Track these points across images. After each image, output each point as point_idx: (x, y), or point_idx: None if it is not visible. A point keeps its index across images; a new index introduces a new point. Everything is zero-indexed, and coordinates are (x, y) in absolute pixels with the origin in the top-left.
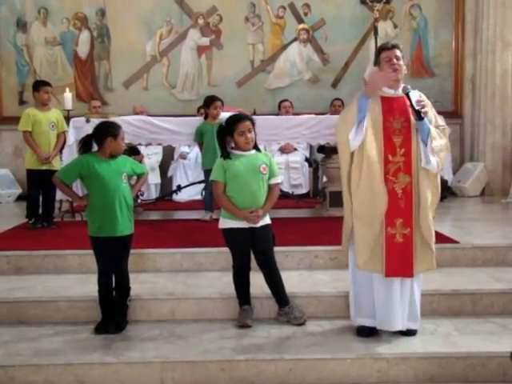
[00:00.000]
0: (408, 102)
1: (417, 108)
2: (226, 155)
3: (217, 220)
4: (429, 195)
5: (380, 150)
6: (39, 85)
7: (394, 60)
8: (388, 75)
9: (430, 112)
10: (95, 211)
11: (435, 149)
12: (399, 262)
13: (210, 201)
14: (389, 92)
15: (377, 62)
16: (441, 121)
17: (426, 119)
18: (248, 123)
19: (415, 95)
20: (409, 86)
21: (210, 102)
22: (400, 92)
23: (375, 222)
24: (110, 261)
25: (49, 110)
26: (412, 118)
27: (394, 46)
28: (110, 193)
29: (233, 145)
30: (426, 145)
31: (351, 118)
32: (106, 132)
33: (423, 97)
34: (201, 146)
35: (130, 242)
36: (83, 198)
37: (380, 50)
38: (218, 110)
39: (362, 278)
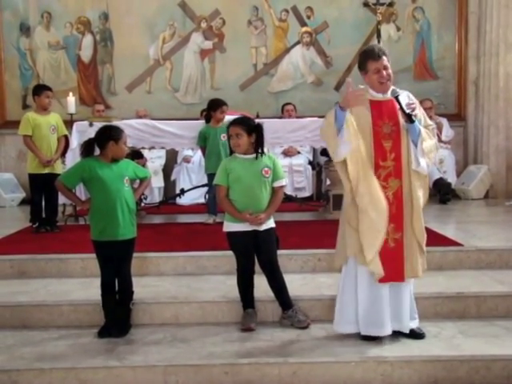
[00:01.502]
0: (398, 106)
1: (407, 111)
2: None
3: (220, 223)
4: (421, 196)
5: (370, 156)
6: (40, 89)
7: (383, 72)
8: (358, 95)
9: (419, 112)
10: (97, 215)
11: (425, 150)
12: (391, 267)
13: (213, 204)
14: (377, 96)
15: (362, 69)
16: (429, 120)
17: (416, 121)
18: (236, 128)
19: (404, 98)
20: (398, 89)
21: (216, 106)
22: (388, 95)
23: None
24: (112, 264)
25: (48, 114)
26: (401, 121)
27: (382, 55)
28: (112, 196)
29: None
30: (416, 146)
31: (331, 131)
32: (108, 136)
33: (412, 97)
34: (203, 150)
35: (132, 245)
36: (85, 201)
37: (367, 58)
38: (224, 114)
39: (348, 284)
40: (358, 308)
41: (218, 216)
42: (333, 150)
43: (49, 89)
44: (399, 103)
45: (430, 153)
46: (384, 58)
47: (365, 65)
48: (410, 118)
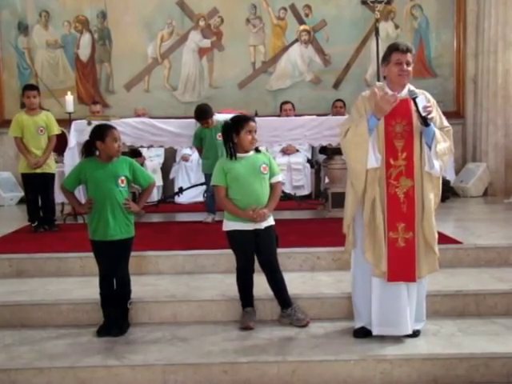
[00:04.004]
0: (413, 107)
1: (423, 114)
2: (232, 154)
3: (219, 222)
4: (432, 198)
5: (381, 155)
6: (24, 89)
7: (405, 66)
8: (390, 99)
9: (436, 113)
10: (91, 214)
11: (439, 152)
12: (402, 266)
13: (212, 203)
14: (391, 94)
15: (385, 60)
16: (445, 122)
17: (432, 124)
18: (254, 124)
19: (422, 101)
20: (416, 91)
21: (201, 118)
22: (403, 95)
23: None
24: (109, 263)
25: (38, 114)
26: (415, 121)
27: (408, 50)
28: (103, 197)
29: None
30: (430, 148)
31: (364, 141)
32: (94, 136)
33: (429, 97)
34: (199, 150)
35: (127, 245)
36: (84, 204)
37: (392, 50)
38: (207, 124)
39: (360, 282)
40: (370, 306)
41: (216, 214)
42: (360, 160)
43: (32, 88)
44: (416, 105)
45: (443, 155)
46: (409, 54)
47: (389, 56)
48: (425, 121)
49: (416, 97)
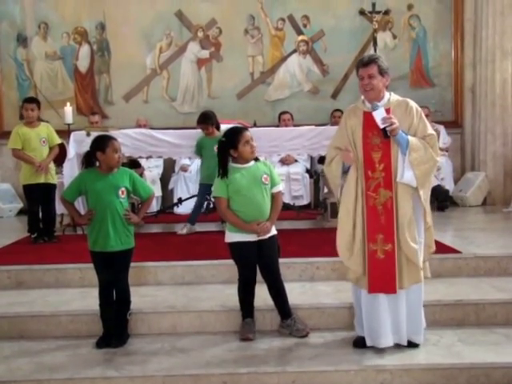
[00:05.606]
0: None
1: (381, 127)
2: (224, 174)
3: (217, 232)
4: (408, 210)
5: (361, 167)
6: (23, 102)
7: (366, 80)
8: (349, 156)
9: (417, 121)
10: (92, 225)
11: (414, 162)
12: (382, 278)
13: (195, 213)
14: (369, 107)
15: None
16: (430, 130)
17: (401, 132)
18: (250, 133)
19: (381, 113)
20: (379, 104)
21: (200, 122)
22: (382, 105)
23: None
24: (108, 275)
25: (38, 126)
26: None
27: (369, 62)
28: (103, 208)
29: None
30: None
31: (337, 178)
32: (95, 147)
33: (412, 105)
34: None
35: (127, 256)
36: (84, 215)
37: (357, 66)
38: (207, 131)
39: (356, 291)
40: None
41: (221, 225)
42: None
43: (30, 101)
44: (376, 118)
45: (420, 164)
46: (372, 65)
47: (357, 72)
48: (385, 133)
49: (375, 109)
